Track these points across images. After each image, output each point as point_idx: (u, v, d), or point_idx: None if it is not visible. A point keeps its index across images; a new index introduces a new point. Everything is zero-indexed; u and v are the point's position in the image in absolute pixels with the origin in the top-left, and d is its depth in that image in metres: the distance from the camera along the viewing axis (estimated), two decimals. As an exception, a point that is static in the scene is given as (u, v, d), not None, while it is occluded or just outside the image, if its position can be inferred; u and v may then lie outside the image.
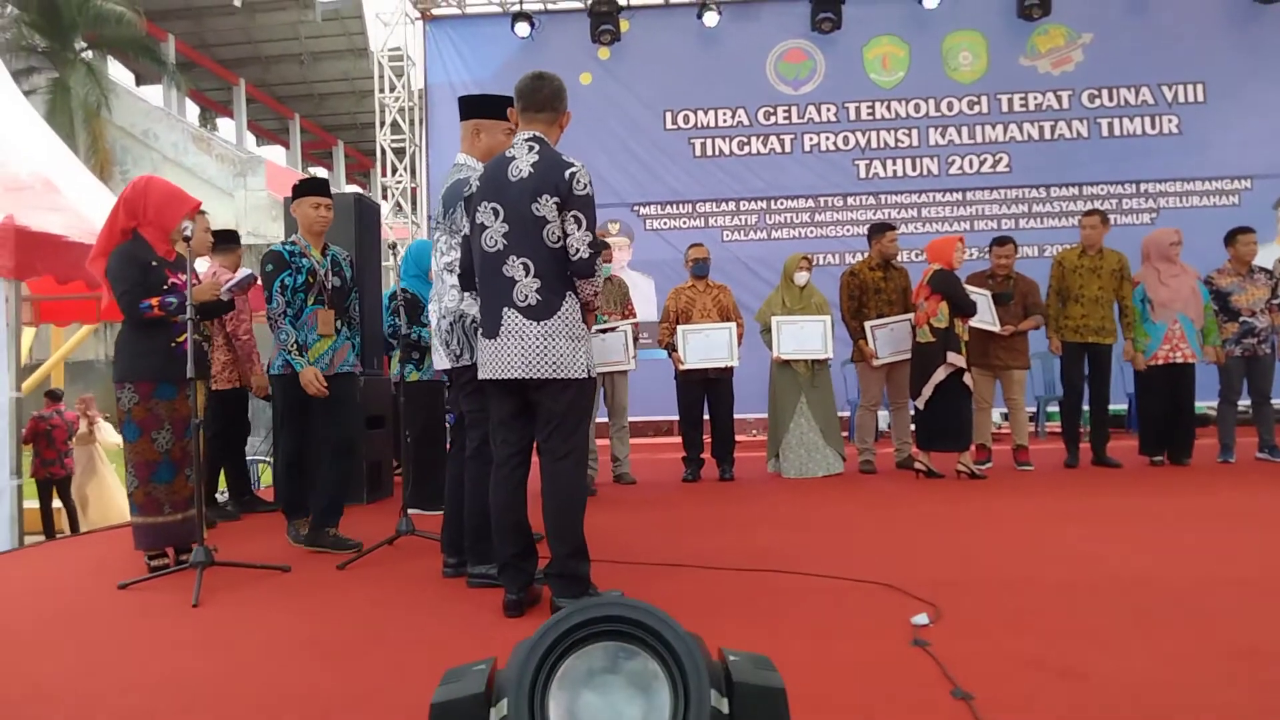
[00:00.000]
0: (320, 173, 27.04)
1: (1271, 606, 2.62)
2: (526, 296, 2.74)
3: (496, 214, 2.79)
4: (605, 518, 4.46)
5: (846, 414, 8.50)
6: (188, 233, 3.32)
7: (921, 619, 2.51)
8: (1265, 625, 2.44)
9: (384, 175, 10.36)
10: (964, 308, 5.60)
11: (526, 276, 2.74)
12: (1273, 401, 6.23)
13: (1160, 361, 5.96)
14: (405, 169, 10.17)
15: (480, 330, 2.87)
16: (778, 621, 2.64)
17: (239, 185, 17.37)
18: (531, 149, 2.79)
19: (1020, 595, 2.82)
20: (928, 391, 5.58)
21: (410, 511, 4.08)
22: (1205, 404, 6.96)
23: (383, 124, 10.21)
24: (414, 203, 10.34)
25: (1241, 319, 6.07)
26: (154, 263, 3.59)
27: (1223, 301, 6.13)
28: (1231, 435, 6.20)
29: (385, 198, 10.27)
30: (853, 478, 6.02)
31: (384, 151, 10.23)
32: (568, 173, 2.73)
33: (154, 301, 3.50)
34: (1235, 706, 1.88)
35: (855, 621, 2.60)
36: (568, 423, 2.79)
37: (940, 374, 5.53)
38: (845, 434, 8.02)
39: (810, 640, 2.44)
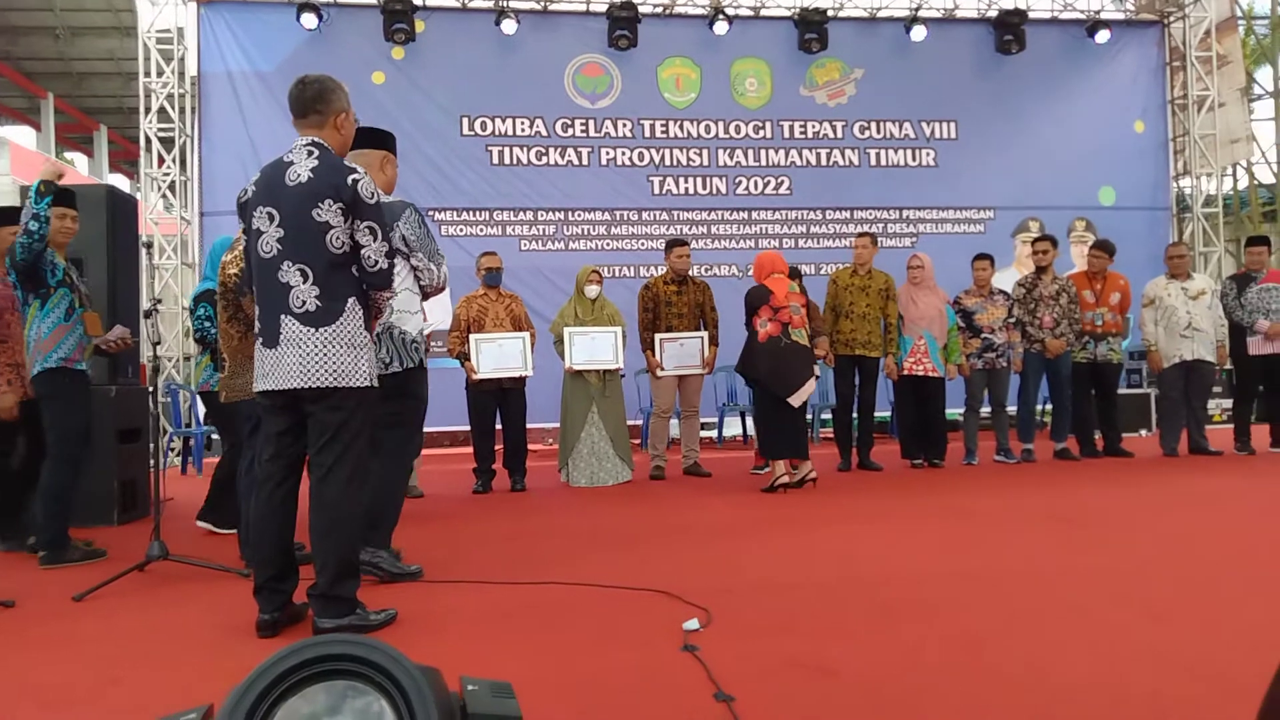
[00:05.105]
0: (79, 160, 24.47)
1: (992, 597, 2.92)
2: (305, 303, 2.63)
3: (272, 219, 2.67)
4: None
5: (639, 422, 8.71)
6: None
7: (692, 624, 2.59)
8: (986, 614, 2.71)
9: (150, 165, 9.51)
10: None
11: (304, 283, 2.63)
12: (1008, 409, 6.99)
13: (906, 372, 6.54)
14: (174, 160, 9.38)
15: (259, 340, 2.72)
16: (555, 633, 2.65)
17: (-26, 168, 15.38)
18: (311, 154, 2.70)
19: (785, 598, 2.98)
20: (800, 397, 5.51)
21: (201, 524, 3.81)
22: (956, 411, 7.69)
23: (149, 110, 9.37)
24: (184, 196, 9.56)
25: (983, 335, 6.77)
26: None
27: (968, 320, 6.81)
28: (974, 440, 6.90)
29: (152, 189, 9.43)
30: (642, 485, 6.16)
31: (149, 140, 9.39)
32: (350, 179, 2.66)
33: None
34: (959, 693, 2.07)
35: (630, 630, 2.65)
36: (343, 436, 2.67)
37: (810, 387, 5.59)
38: (637, 442, 8.21)
39: (585, 651, 2.46)
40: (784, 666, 2.26)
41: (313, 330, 2.62)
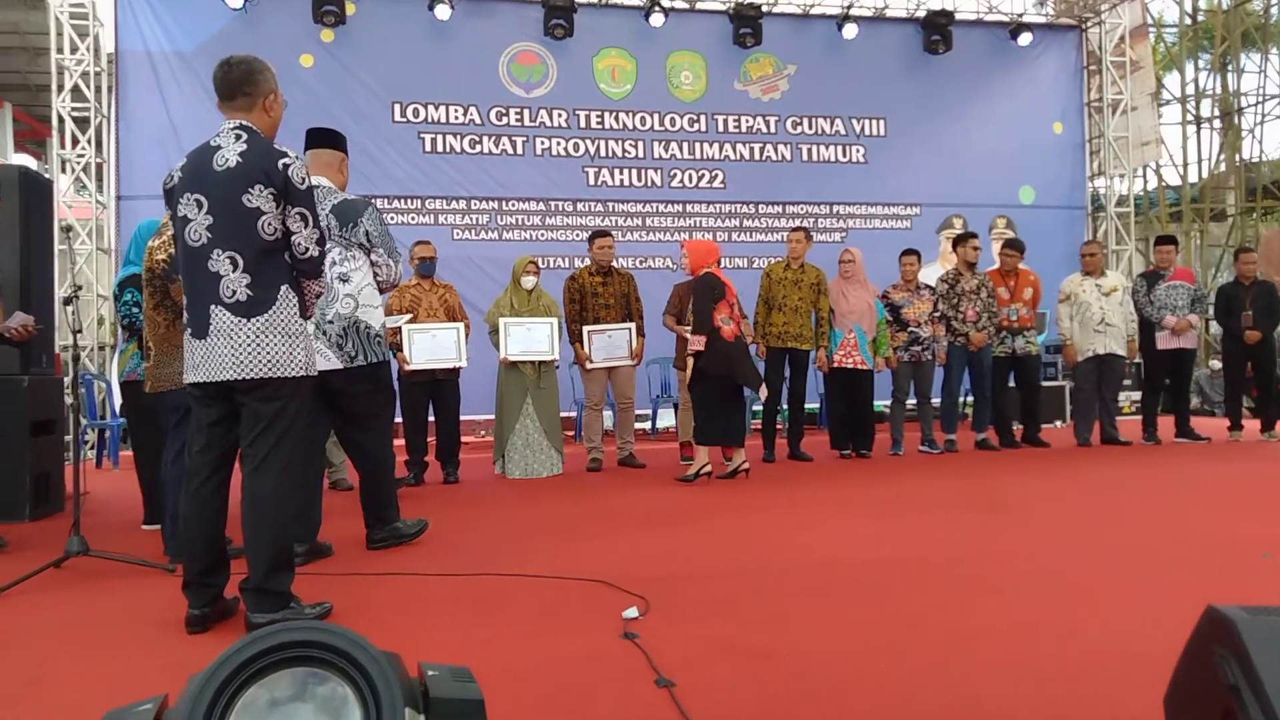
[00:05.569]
0: (-21, 138, 23.25)
1: (922, 581, 3.03)
2: (235, 292, 2.57)
3: (200, 206, 2.61)
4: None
5: (573, 414, 8.71)
6: None
7: (632, 612, 2.63)
8: (916, 598, 2.81)
9: (63, 146, 9.10)
10: (699, 324, 5.48)
11: (234, 271, 2.57)
12: (932, 401, 7.20)
13: (836, 364, 6.69)
14: (89, 141, 8.99)
15: (188, 331, 2.66)
16: (493, 625, 2.65)
17: None
18: (239, 137, 2.64)
19: (722, 585, 3.04)
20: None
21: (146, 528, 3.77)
22: (883, 403, 7.88)
23: (61, 89, 8.96)
24: (99, 179, 9.18)
25: (910, 329, 6.96)
26: None
27: (895, 314, 6.99)
28: (900, 431, 7.09)
29: (64, 171, 9.03)
30: (578, 476, 6.17)
31: (62, 120, 8.99)
32: (282, 163, 2.61)
33: None
34: (895, 671, 2.15)
35: (569, 619, 2.67)
36: (277, 426, 2.63)
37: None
38: (570, 433, 8.22)
39: (525, 641, 2.47)
40: (722, 651, 2.31)
41: (244, 320, 2.57)
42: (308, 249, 2.67)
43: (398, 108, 9.56)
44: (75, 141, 9.06)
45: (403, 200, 9.48)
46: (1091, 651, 2.24)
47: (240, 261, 2.57)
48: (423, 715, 0.96)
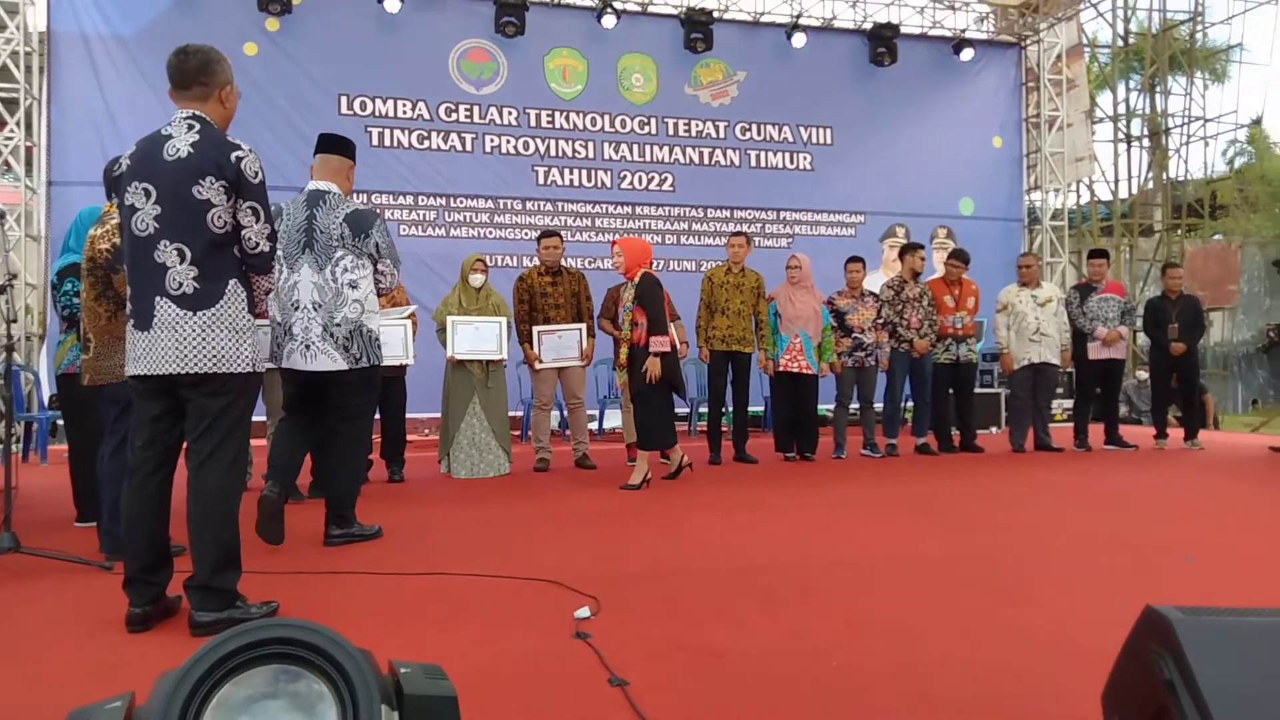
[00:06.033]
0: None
1: (867, 582, 3.10)
2: (182, 284, 2.53)
3: (148, 195, 2.55)
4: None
5: (520, 414, 8.67)
6: None
7: (584, 612, 2.64)
8: (862, 599, 2.88)
9: (-10, 129, 8.76)
10: (657, 325, 5.41)
11: (181, 263, 2.53)
12: (874, 405, 7.35)
13: (782, 368, 6.78)
14: (18, 124, 8.66)
15: (131, 322, 2.60)
16: (446, 625, 2.64)
17: None
18: (191, 128, 2.59)
19: (672, 584, 3.07)
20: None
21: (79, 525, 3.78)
22: (826, 407, 8.01)
23: (-11, 68, 8.64)
24: (28, 163, 8.86)
25: (854, 335, 7.09)
26: None
27: (840, 320, 7.11)
28: (843, 434, 7.22)
29: (-10, 154, 8.69)
30: (524, 476, 6.15)
31: (-10, 101, 8.66)
32: (234, 155, 2.57)
33: None
34: (843, 669, 2.20)
35: (522, 619, 2.67)
36: (223, 422, 2.59)
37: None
38: (517, 433, 8.18)
39: (478, 641, 2.47)
40: (674, 650, 2.34)
41: (190, 313, 2.53)
42: (258, 244, 2.63)
43: (344, 100, 9.42)
44: (3, 124, 8.73)
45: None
46: (1033, 649, 2.33)
47: (188, 253, 2.53)
48: (397, 713, 0.96)
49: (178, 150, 2.55)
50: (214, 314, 2.55)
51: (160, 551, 2.64)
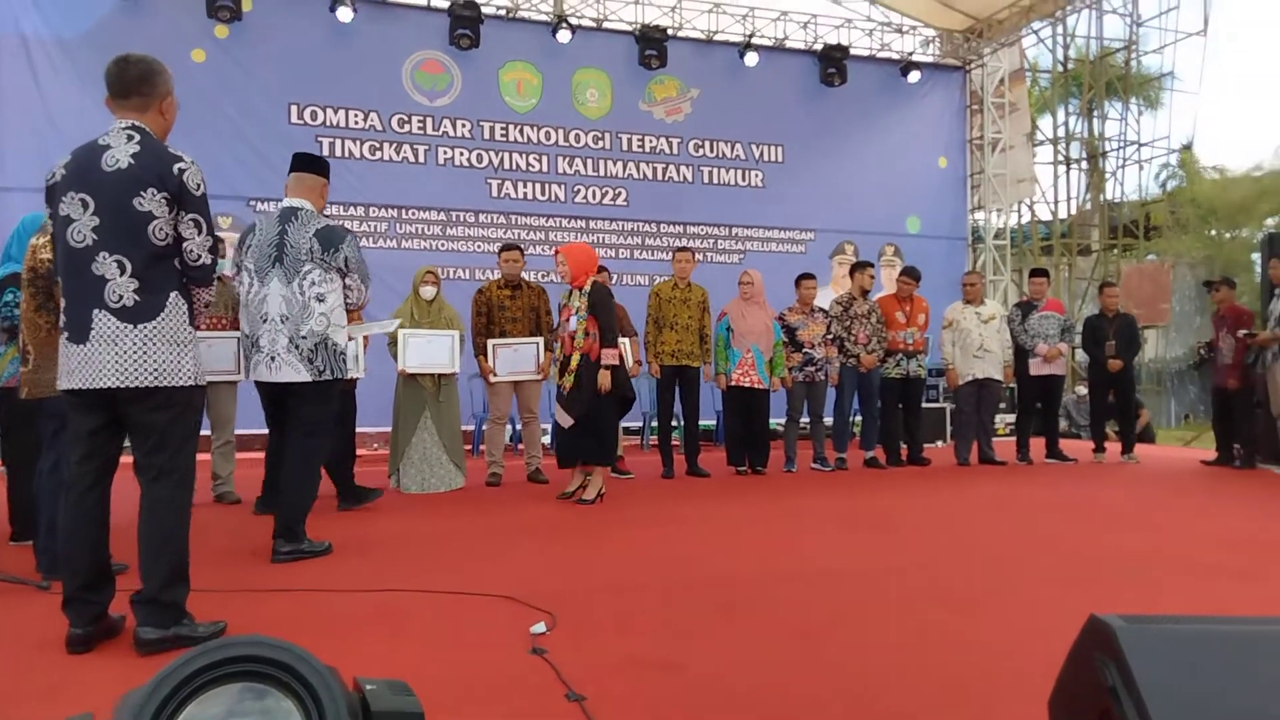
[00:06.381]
0: None
1: (820, 594, 3.14)
2: (121, 297, 2.49)
3: (86, 206, 2.51)
4: (207, 541, 4.06)
5: (470, 428, 8.61)
6: None
7: (540, 628, 2.64)
8: (816, 611, 2.92)
9: (-80, 131, 8.46)
10: (609, 336, 5.31)
11: (121, 275, 2.49)
12: (824, 419, 7.45)
13: (734, 383, 6.85)
14: (-48, 127, 8.39)
15: (65, 335, 2.55)
16: (400, 642, 2.62)
17: None
18: (131, 138, 2.56)
19: (628, 599, 3.08)
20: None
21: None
22: (777, 421, 8.09)
23: (-79, 69, 8.35)
24: (-37, 169, 8.56)
25: (805, 350, 7.19)
26: None
27: (791, 335, 7.20)
28: (794, 448, 7.31)
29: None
30: (476, 491, 6.09)
31: (-78, 103, 8.36)
32: (177, 167, 2.55)
33: None
34: (797, 680, 2.23)
35: (477, 635, 2.66)
36: (170, 437, 2.56)
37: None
38: (468, 448, 8.11)
39: (433, 658, 2.45)
40: (631, 665, 2.35)
41: (130, 326, 2.50)
42: (200, 256, 2.61)
43: (294, 110, 9.30)
44: (-64, 127, 8.43)
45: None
46: (982, 658, 2.38)
47: (129, 266, 2.50)
48: (363, 729, 0.96)
49: (117, 161, 2.51)
50: (155, 327, 2.52)
51: (101, 569, 2.58)
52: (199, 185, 2.59)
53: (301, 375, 3.77)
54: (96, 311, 2.49)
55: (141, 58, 2.65)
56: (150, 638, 2.46)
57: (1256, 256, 15.90)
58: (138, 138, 2.56)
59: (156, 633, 2.46)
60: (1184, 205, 21.07)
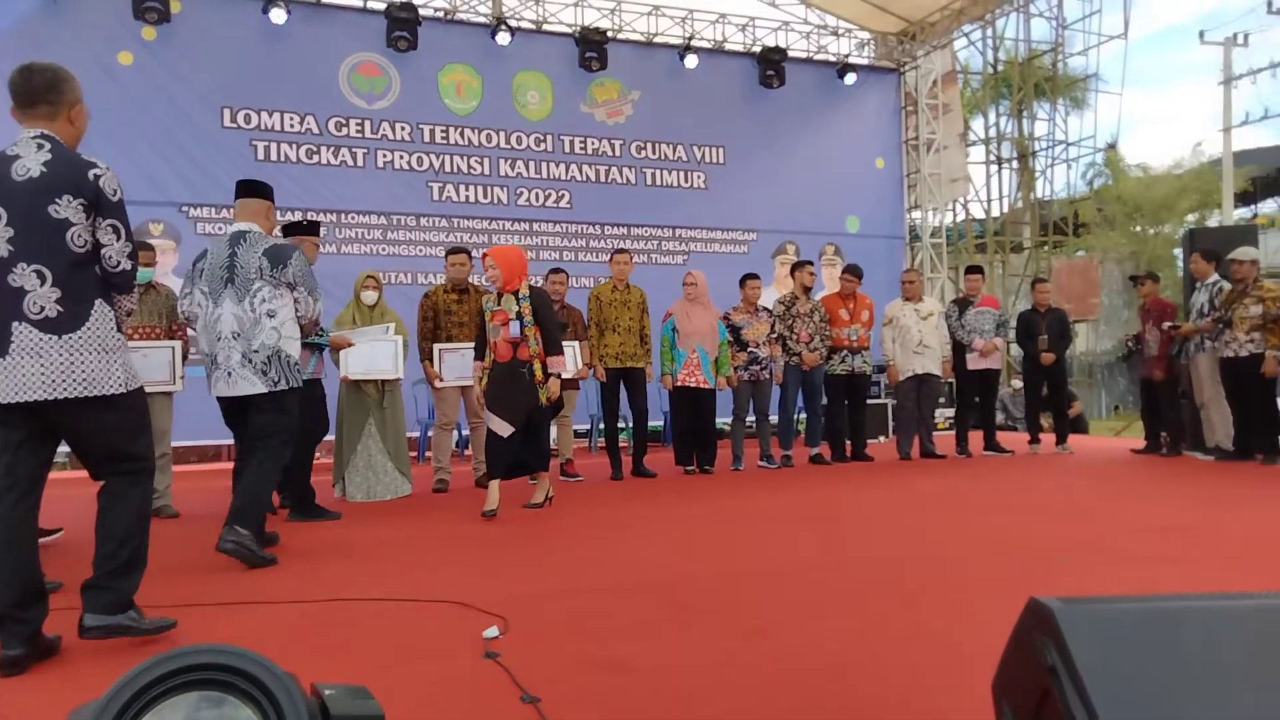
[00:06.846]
0: None
1: (771, 591, 3.19)
2: (43, 308, 2.46)
3: None
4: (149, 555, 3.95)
5: (416, 434, 8.51)
6: None
7: (492, 632, 2.63)
8: (768, 607, 2.96)
9: None
10: (553, 345, 5.15)
11: (42, 285, 2.46)
12: (770, 417, 7.54)
13: (680, 383, 6.89)
14: None
15: None
16: (350, 651, 2.59)
17: None
18: (41, 146, 2.52)
19: (579, 601, 3.09)
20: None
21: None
22: (723, 420, 8.17)
23: None
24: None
25: (749, 349, 7.27)
26: None
27: (736, 334, 7.28)
28: (740, 447, 7.38)
29: None
30: (422, 498, 6.04)
31: None
32: (92, 173, 2.52)
33: None
34: (750, 676, 2.26)
35: (429, 641, 2.64)
36: (118, 440, 2.59)
37: None
38: (414, 454, 8.02)
39: (385, 666, 2.42)
40: (585, 666, 2.36)
41: (54, 337, 2.46)
42: (119, 262, 2.58)
43: (227, 113, 9.10)
44: None
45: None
46: (928, 647, 2.44)
47: (49, 275, 2.47)
48: (324, 735, 0.96)
49: (28, 170, 2.47)
50: (80, 336, 2.49)
51: (33, 585, 2.49)
52: (115, 191, 2.57)
53: (257, 387, 3.87)
54: (16, 324, 2.45)
55: (46, 65, 2.62)
56: (95, 624, 2.47)
57: (1179, 251, 16.53)
58: (48, 146, 2.52)
59: (102, 620, 2.48)
60: (1110, 203, 21.83)
